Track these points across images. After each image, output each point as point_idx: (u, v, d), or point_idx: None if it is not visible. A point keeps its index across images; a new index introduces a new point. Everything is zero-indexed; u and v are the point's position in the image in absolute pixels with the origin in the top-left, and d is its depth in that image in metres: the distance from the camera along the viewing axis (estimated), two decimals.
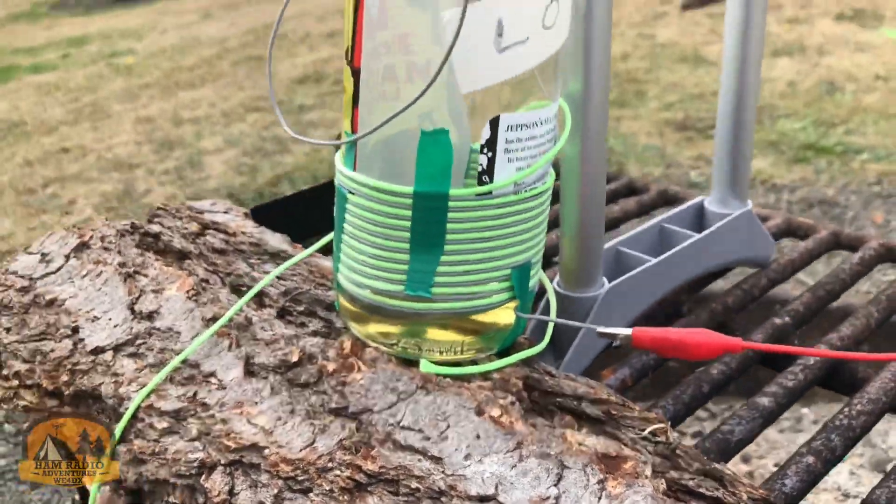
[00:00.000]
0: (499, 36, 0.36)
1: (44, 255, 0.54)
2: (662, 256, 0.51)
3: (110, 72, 3.85)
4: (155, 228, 0.55)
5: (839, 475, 1.14)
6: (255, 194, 2.19)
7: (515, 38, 0.36)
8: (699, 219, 0.58)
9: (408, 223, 0.38)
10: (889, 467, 1.16)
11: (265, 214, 0.66)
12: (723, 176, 0.56)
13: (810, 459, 0.42)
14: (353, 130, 0.39)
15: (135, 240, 0.55)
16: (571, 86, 0.43)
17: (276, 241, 0.55)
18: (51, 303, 0.49)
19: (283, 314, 0.46)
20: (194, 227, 0.55)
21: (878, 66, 2.71)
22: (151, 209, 0.59)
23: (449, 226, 0.38)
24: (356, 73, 0.38)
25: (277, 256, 0.53)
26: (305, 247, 0.57)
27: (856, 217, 1.89)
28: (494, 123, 0.37)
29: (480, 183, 0.38)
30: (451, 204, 0.38)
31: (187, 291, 0.47)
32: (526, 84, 0.39)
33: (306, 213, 0.68)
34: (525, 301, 0.42)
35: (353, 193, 0.39)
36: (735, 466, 1.16)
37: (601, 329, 0.40)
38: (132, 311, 0.47)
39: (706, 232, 0.54)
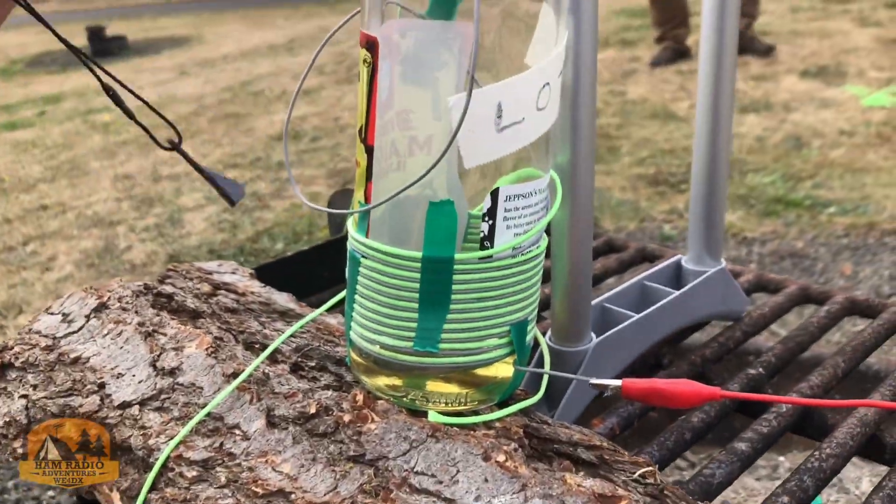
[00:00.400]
0: (498, 118, 0.40)
1: (65, 315, 0.57)
2: (644, 312, 0.55)
3: (87, 129, 3.89)
4: (168, 289, 0.59)
5: None
6: (237, 250, 2.22)
7: (513, 119, 0.40)
8: (677, 276, 0.62)
9: (416, 285, 0.42)
10: None
11: (268, 273, 0.70)
12: (698, 236, 0.61)
13: (785, 499, 0.46)
14: (367, 201, 0.43)
15: (149, 300, 0.58)
16: (560, 158, 0.48)
17: (283, 300, 0.59)
18: (75, 360, 0.52)
19: (296, 369, 0.50)
20: (206, 287, 0.59)
21: (843, 121, 2.81)
22: (139, 267, 0.63)
23: (454, 287, 0.42)
24: (370, 150, 0.42)
25: (286, 315, 0.57)
26: (309, 304, 0.61)
27: (825, 269, 1.95)
28: (495, 194, 0.41)
29: (482, 248, 0.42)
30: (456, 267, 0.42)
31: (206, 349, 0.50)
32: (522, 158, 0.43)
33: (308, 271, 0.72)
34: (522, 355, 0.45)
35: (365, 257, 0.43)
36: None
37: (594, 381, 0.44)
38: (154, 367, 0.50)
39: (684, 289, 0.58)
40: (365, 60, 0.41)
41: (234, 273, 0.63)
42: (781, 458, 1.29)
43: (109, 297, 0.58)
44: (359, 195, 0.44)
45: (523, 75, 0.40)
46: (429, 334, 0.43)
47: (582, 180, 0.48)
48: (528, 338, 0.46)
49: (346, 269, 0.46)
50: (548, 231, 0.51)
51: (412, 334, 0.43)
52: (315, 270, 0.73)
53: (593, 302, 0.56)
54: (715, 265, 0.61)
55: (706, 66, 0.58)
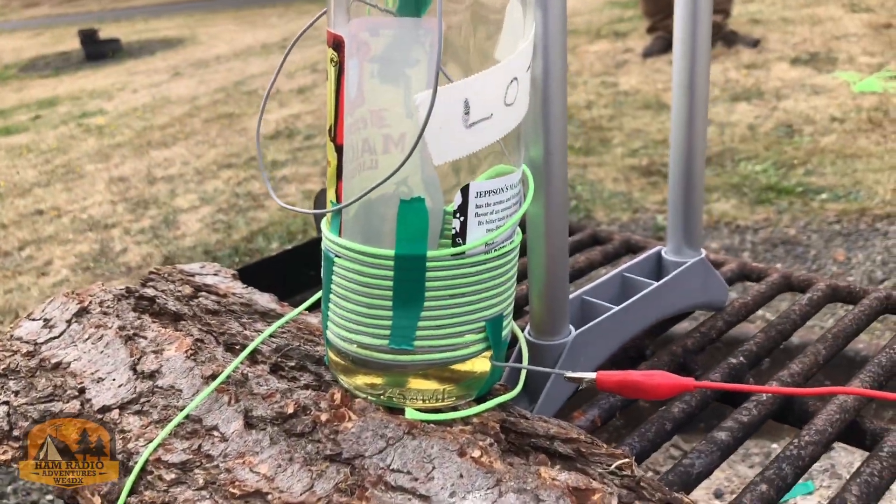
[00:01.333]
0: (466, 114, 0.40)
1: (46, 320, 0.57)
2: (624, 304, 0.55)
3: (81, 132, 3.89)
4: (149, 292, 0.59)
5: None
6: (231, 250, 2.23)
7: (481, 116, 0.40)
8: (658, 267, 0.62)
9: (390, 283, 0.42)
10: None
11: (252, 274, 0.70)
12: (676, 227, 0.61)
13: (763, 487, 0.46)
14: (338, 200, 0.43)
15: (131, 303, 0.58)
16: (533, 152, 0.48)
17: (264, 300, 0.59)
18: (56, 366, 0.53)
19: (275, 369, 0.50)
20: (187, 290, 0.59)
21: (834, 108, 2.81)
22: (135, 269, 0.63)
23: (427, 284, 0.42)
24: (339, 150, 0.43)
25: (267, 315, 0.57)
26: (291, 304, 0.61)
27: (818, 255, 1.96)
28: (465, 191, 0.42)
29: (454, 244, 0.42)
30: (428, 264, 0.42)
31: (186, 351, 0.51)
32: (494, 153, 0.43)
33: (290, 271, 0.72)
34: (499, 350, 0.46)
35: (339, 257, 0.43)
36: (709, 502, 1.20)
37: (568, 374, 0.44)
38: (134, 371, 0.50)
39: (664, 280, 0.58)
40: (332, 59, 0.42)
41: (216, 275, 0.63)
42: (774, 446, 1.30)
43: (91, 302, 0.58)
44: (330, 194, 0.44)
45: (489, 71, 0.40)
46: (404, 332, 0.43)
47: (555, 173, 0.48)
48: (505, 333, 0.46)
49: (322, 270, 0.46)
50: (523, 226, 0.52)
51: (387, 332, 0.43)
52: (300, 270, 0.73)
53: (573, 295, 0.56)
54: (694, 255, 0.61)
55: (680, 59, 0.58)
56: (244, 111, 3.81)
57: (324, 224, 0.45)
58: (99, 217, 2.65)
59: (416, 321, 0.43)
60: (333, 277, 0.44)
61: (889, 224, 2.03)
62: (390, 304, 0.43)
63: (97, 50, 5.99)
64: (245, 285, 0.62)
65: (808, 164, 2.39)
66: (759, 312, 1.46)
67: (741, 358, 0.58)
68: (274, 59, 5.01)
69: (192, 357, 0.50)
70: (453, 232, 0.42)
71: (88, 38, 6.05)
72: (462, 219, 0.42)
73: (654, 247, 0.67)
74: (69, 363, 0.52)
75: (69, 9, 9.35)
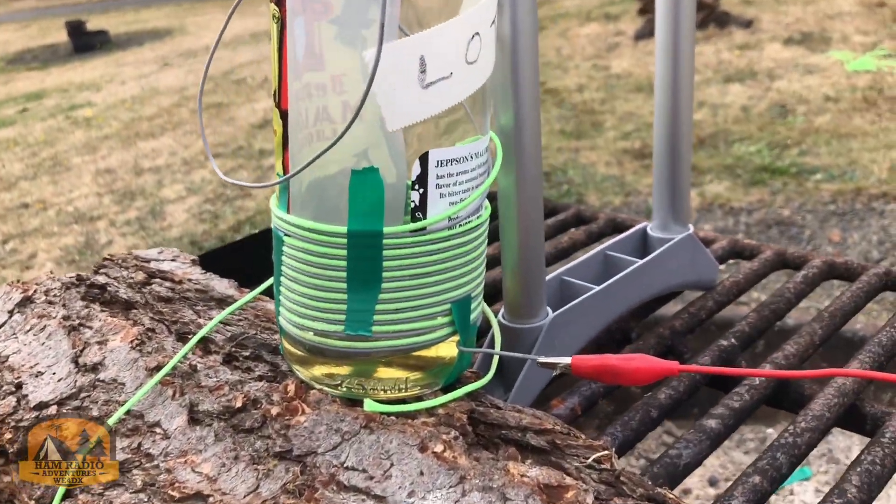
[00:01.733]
0: (422, 72, 0.36)
1: None
2: (605, 284, 0.51)
3: (69, 125, 3.84)
4: (101, 279, 0.55)
5: (805, 493, 1.15)
6: (218, 240, 2.19)
7: (439, 74, 0.37)
8: (643, 245, 0.59)
9: (344, 263, 0.38)
10: None
11: (217, 260, 0.66)
12: (663, 202, 0.57)
13: (756, 479, 0.43)
14: (285, 172, 0.39)
15: (80, 292, 0.54)
16: (503, 119, 0.44)
17: (222, 286, 0.55)
18: None
19: (229, 360, 0.46)
20: (140, 276, 0.55)
21: (828, 87, 2.77)
22: (98, 261, 0.59)
23: (385, 263, 0.38)
24: (284, 116, 0.39)
25: (224, 302, 0.53)
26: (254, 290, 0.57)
27: (813, 236, 1.92)
28: (424, 159, 0.38)
29: (414, 219, 0.38)
30: (385, 241, 0.38)
31: (131, 342, 0.47)
32: (463, 119, 0.39)
33: (256, 256, 0.68)
34: (467, 335, 0.42)
35: (288, 235, 0.40)
36: (703, 490, 1.16)
37: (541, 359, 0.40)
38: (76, 363, 0.46)
39: (648, 258, 0.54)
40: (274, 16, 0.38)
41: (173, 260, 0.59)
42: (770, 431, 1.26)
43: (36, 291, 0.54)
44: (277, 166, 0.40)
45: (447, 24, 0.36)
46: (361, 316, 0.39)
47: (527, 142, 0.44)
48: (474, 315, 0.42)
49: (273, 251, 0.42)
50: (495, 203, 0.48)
51: (343, 318, 0.39)
52: (265, 255, 0.69)
53: (551, 275, 0.53)
54: (681, 231, 0.57)
55: (662, 30, 0.54)
56: (232, 101, 3.77)
57: (272, 200, 0.42)
58: (85, 209, 2.61)
59: (373, 304, 0.39)
60: (284, 259, 0.40)
61: (885, 203, 2.00)
62: (345, 286, 0.39)
63: (85, 42, 5.93)
64: (204, 271, 0.58)
65: (803, 145, 2.35)
66: (754, 294, 1.42)
67: (732, 340, 0.54)
68: (263, 48, 4.96)
69: (138, 348, 0.46)
70: (412, 205, 0.38)
71: (76, 29, 5.99)
72: (421, 191, 0.38)
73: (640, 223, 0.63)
74: (7, 357, 0.49)
75: (56, 1, 9.27)
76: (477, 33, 0.37)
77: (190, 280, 0.56)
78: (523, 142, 0.44)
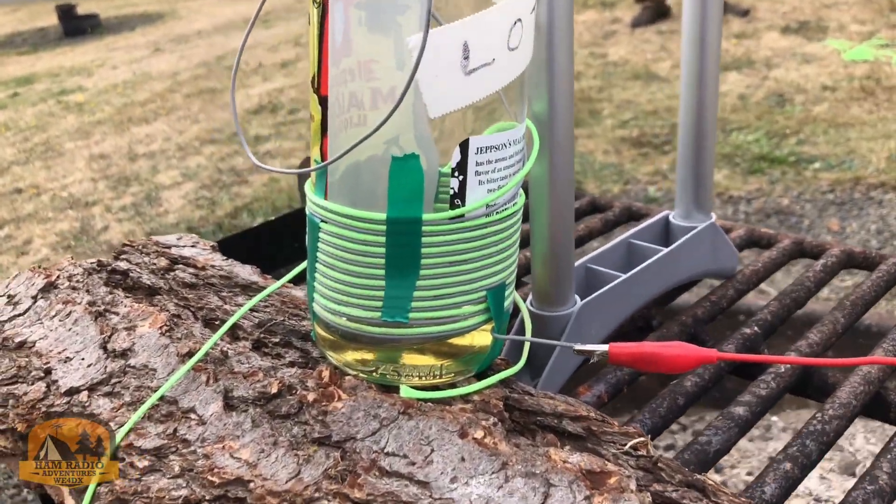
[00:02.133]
0: (465, 59, 0.36)
1: (10, 296, 0.53)
2: (632, 272, 0.51)
3: (60, 110, 3.82)
4: (122, 265, 0.55)
5: (809, 480, 1.15)
6: (216, 227, 2.18)
7: (482, 61, 0.36)
8: (665, 233, 0.59)
9: (382, 249, 0.38)
10: (858, 470, 1.17)
11: (232, 247, 0.66)
12: (686, 190, 0.57)
13: (787, 466, 0.43)
14: (323, 158, 0.39)
15: (102, 278, 0.54)
16: (536, 106, 0.44)
17: (245, 273, 0.55)
18: (21, 345, 0.49)
19: (258, 346, 0.46)
20: (163, 262, 0.55)
21: (825, 76, 2.77)
22: (117, 247, 0.59)
23: (423, 250, 0.38)
24: (324, 102, 0.38)
25: (249, 289, 0.53)
26: (275, 277, 0.57)
27: (812, 225, 1.93)
28: (464, 147, 0.38)
29: (452, 206, 0.38)
30: (424, 228, 0.38)
31: (160, 327, 0.47)
32: (492, 107, 0.39)
33: (272, 243, 0.68)
34: (501, 322, 0.42)
35: (325, 222, 0.39)
36: (708, 476, 1.17)
37: (578, 346, 0.40)
38: (105, 349, 0.46)
39: (673, 246, 0.54)
40: (315, 1, 0.37)
41: (193, 247, 0.59)
42: (774, 419, 1.27)
43: (59, 277, 0.54)
44: (314, 153, 0.40)
45: (491, 10, 0.36)
46: (398, 303, 0.39)
47: (561, 129, 0.44)
48: (507, 303, 0.42)
49: (307, 237, 0.42)
50: (525, 189, 0.48)
51: (380, 304, 0.39)
52: (284, 241, 0.69)
53: (577, 263, 0.53)
54: (705, 220, 0.57)
55: (690, 23, 0.54)
56: (226, 86, 3.75)
57: (308, 186, 0.41)
58: (79, 195, 2.60)
59: (411, 291, 0.39)
60: (319, 245, 0.40)
61: (883, 192, 2.00)
62: (383, 272, 0.39)
63: (75, 26, 5.88)
64: (225, 257, 0.58)
65: (801, 134, 2.36)
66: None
67: (756, 328, 0.54)
68: (256, 33, 4.93)
69: (168, 334, 0.46)
70: (451, 192, 0.38)
71: (66, 13, 5.94)
72: (461, 178, 0.38)
73: (658, 213, 0.63)
74: (34, 342, 0.48)
75: None
76: (519, 19, 0.37)
77: (213, 266, 0.55)
78: (557, 129, 0.44)
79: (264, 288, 0.53)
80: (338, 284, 0.40)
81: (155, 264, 0.55)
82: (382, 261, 0.38)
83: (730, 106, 2.64)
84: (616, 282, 0.50)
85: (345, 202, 0.39)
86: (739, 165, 2.22)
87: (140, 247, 0.58)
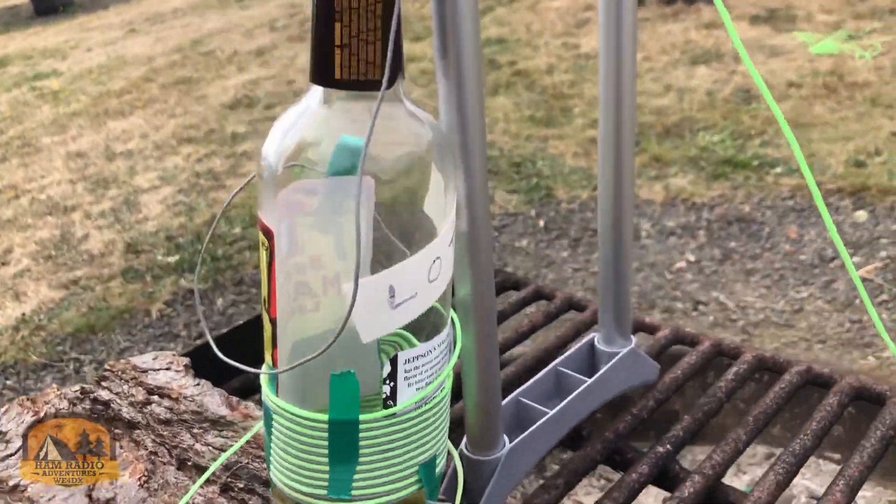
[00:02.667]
0: (391, 297, 0.42)
1: (2, 433, 0.60)
2: (558, 407, 0.58)
3: (35, 98, 3.83)
4: (104, 395, 0.61)
5: None
6: (194, 237, 2.23)
7: (406, 296, 0.43)
8: (591, 358, 0.65)
9: (325, 443, 0.45)
10: None
11: (208, 352, 0.72)
12: (607, 315, 0.64)
13: None
14: (274, 365, 0.46)
15: (86, 408, 0.61)
16: (461, 292, 0.50)
17: (215, 404, 0.61)
18: (14, 488, 0.55)
19: (225, 489, 0.53)
20: (140, 395, 0.61)
21: (791, 71, 2.83)
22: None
23: (361, 443, 0.45)
24: (273, 322, 0.45)
25: (218, 424, 0.59)
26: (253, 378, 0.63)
27: (771, 233, 2.00)
28: (394, 361, 0.44)
29: (385, 407, 0.45)
30: (361, 426, 0.44)
31: (139, 478, 0.53)
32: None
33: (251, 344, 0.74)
34: (433, 487, 0.49)
35: (276, 414, 0.46)
36: None
37: None
38: (90, 498, 0.53)
39: (596, 376, 0.61)
40: (263, 244, 0.44)
41: (168, 369, 0.65)
42: None
43: (45, 414, 0.60)
44: (267, 358, 0.47)
45: (413, 259, 0.42)
46: (341, 484, 0.46)
47: (483, 310, 0.50)
48: (438, 468, 0.49)
49: (263, 413, 0.48)
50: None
51: (325, 483, 0.46)
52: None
53: (508, 398, 0.59)
54: (626, 345, 0.64)
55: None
56: (202, 76, 3.77)
57: (262, 380, 0.48)
58: (58, 198, 2.64)
59: (352, 475, 0.46)
60: (273, 430, 0.47)
61: (839, 199, 2.08)
62: (327, 460, 0.45)
63: (47, 4, 5.84)
64: (196, 381, 0.64)
65: (765, 135, 2.42)
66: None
67: (668, 446, 0.61)
68: (231, 15, 4.93)
69: (145, 485, 0.53)
70: (384, 396, 0.45)
71: None
72: (392, 384, 0.45)
73: (594, 309, 0.70)
74: (26, 486, 0.55)
75: None
76: (438, 257, 0.43)
77: (185, 398, 0.62)
78: (479, 311, 0.50)
79: (231, 421, 0.60)
80: (288, 465, 0.46)
81: (133, 396, 0.62)
82: (326, 451, 0.45)
83: (697, 103, 2.70)
84: (543, 419, 0.57)
85: (294, 393, 0.46)
86: (704, 170, 2.29)
87: (119, 372, 0.64)
